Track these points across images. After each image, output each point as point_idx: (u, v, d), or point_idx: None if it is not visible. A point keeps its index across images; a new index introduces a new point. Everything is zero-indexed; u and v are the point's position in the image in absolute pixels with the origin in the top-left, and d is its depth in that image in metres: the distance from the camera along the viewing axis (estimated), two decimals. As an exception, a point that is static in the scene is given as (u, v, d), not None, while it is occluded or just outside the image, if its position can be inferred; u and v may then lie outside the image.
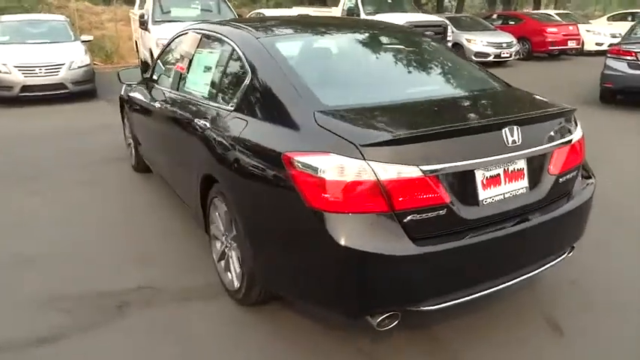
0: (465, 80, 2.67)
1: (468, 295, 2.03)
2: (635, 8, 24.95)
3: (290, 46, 2.62)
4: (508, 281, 2.14)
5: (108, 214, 3.90)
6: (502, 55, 12.90)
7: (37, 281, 2.94)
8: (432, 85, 2.57)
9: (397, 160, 1.83)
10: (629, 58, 7.47)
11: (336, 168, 1.84)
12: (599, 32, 16.10)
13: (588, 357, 2.27)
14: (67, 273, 3.02)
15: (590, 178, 2.47)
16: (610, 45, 16.01)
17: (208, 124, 2.62)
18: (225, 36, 2.83)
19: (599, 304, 2.65)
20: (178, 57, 3.43)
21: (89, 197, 4.28)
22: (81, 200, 4.20)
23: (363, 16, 12.45)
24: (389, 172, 1.82)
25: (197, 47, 3.15)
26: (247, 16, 13.08)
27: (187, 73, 3.18)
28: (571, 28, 14.59)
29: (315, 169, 1.87)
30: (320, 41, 2.79)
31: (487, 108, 2.34)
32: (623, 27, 18.16)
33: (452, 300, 1.99)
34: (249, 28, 2.81)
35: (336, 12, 13.47)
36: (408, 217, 1.86)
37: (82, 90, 8.85)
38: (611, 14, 20.58)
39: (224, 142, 2.42)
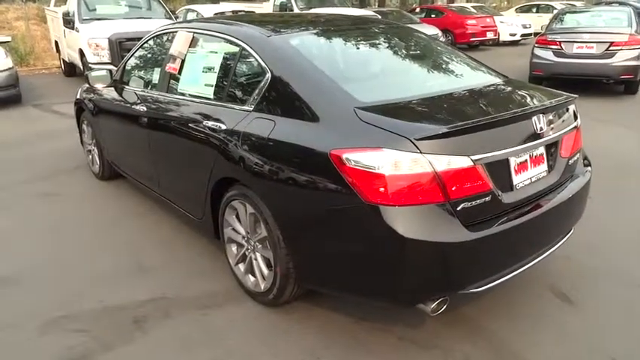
0: (475, 73, 2.80)
1: (507, 275, 2.16)
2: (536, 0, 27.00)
3: (303, 43, 2.60)
4: (534, 259, 2.30)
5: (87, 226, 3.66)
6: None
7: (32, 302, 2.71)
8: (448, 79, 2.68)
9: (449, 151, 1.92)
10: (554, 47, 8.13)
11: (392, 162, 1.88)
12: (512, 23, 17.30)
13: (600, 319, 2.50)
14: (63, 291, 2.82)
15: (589, 164, 2.69)
16: (522, 35, 17.30)
17: (224, 126, 2.55)
18: (228, 35, 2.75)
19: (596, 272, 2.90)
20: (164, 57, 3.28)
21: (60, 210, 3.98)
22: (52, 214, 3.90)
23: (296, 11, 12.45)
24: (443, 163, 1.90)
25: (189, 47, 3.03)
26: (177, 13, 12.64)
27: (180, 74, 3.05)
28: (488, 20, 15.54)
29: (371, 165, 1.90)
30: (328, 38, 2.79)
31: (512, 98, 2.48)
32: (531, 18, 19.68)
33: (495, 280, 2.11)
34: (254, 26, 2.76)
35: (267, 7, 13.37)
36: (461, 206, 1.95)
37: (6, 96, 8.13)
38: (518, 6, 22.14)
39: (249, 143, 2.37)
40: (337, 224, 2.06)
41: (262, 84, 2.45)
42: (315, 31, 2.80)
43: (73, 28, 9.24)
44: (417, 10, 16.88)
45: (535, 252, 2.29)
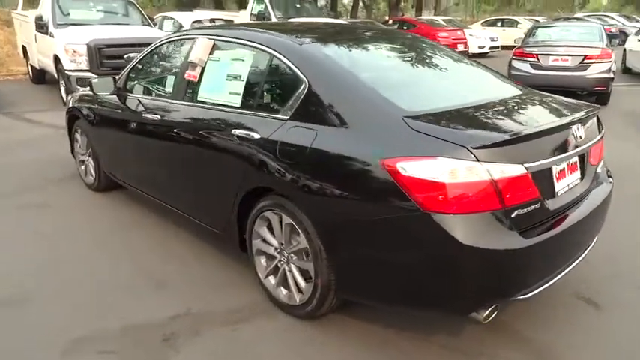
0: (500, 83, 2.85)
1: (551, 280, 2.19)
2: (495, 14, 28.01)
3: (336, 52, 2.59)
4: (571, 265, 2.35)
5: (87, 240, 3.49)
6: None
7: (47, 324, 2.55)
8: (480, 88, 2.72)
9: (504, 159, 1.94)
10: (531, 59, 8.43)
11: (450, 171, 1.89)
12: (480, 36, 17.83)
13: (627, 324, 2.57)
14: (79, 310, 2.67)
15: (610, 174, 2.78)
16: (490, 48, 17.85)
17: (257, 135, 2.50)
18: (257, 43, 2.71)
19: (615, 277, 2.98)
20: (177, 65, 3.20)
21: (54, 222, 3.79)
22: (46, 227, 3.71)
23: (274, 20, 12.45)
24: (499, 171, 1.92)
25: (210, 54, 2.97)
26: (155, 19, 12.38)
27: (199, 81, 2.98)
28: (459, 32, 15.97)
29: (429, 174, 1.90)
30: (358, 47, 2.79)
31: (548, 108, 2.54)
32: (497, 31, 20.35)
33: (541, 286, 2.14)
34: (283, 34, 2.73)
35: (243, 16, 13.32)
36: (515, 213, 1.98)
37: (-23, 103, 7.77)
38: (484, 20, 22.87)
39: (289, 152, 2.33)
40: (389, 234, 2.04)
41: (298, 93, 2.42)
42: (343, 40, 2.80)
43: (46, 33, 8.92)
44: (390, 22, 17.17)
45: (573, 257, 2.34)
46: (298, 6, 13.51)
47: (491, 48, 17.84)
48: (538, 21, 22.48)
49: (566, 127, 2.21)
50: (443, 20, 18.12)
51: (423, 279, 2.02)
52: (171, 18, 11.63)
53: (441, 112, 2.21)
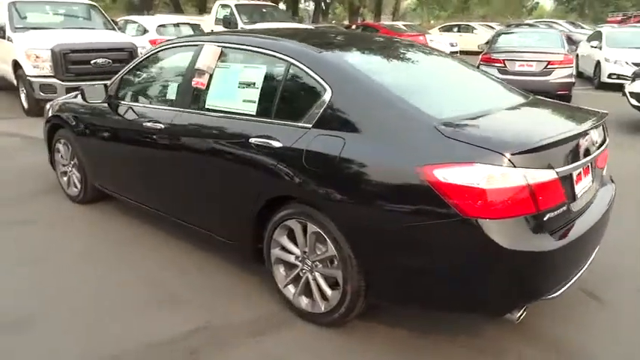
0: (507, 91, 2.94)
1: (573, 279, 2.28)
2: (448, 20, 28.85)
3: (355, 60, 2.60)
4: (587, 263, 2.45)
5: (88, 258, 3.32)
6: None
7: (65, 347, 2.43)
8: (494, 96, 2.80)
9: (537, 165, 2.01)
10: (498, 65, 8.74)
11: (488, 177, 1.93)
12: (440, 42, 18.32)
13: (630, 314, 2.70)
14: (94, 331, 2.54)
15: (612, 180, 2.91)
16: (450, 53, 18.35)
17: (277, 143, 2.47)
18: (272, 50, 2.68)
19: (615, 273, 3.12)
20: (180, 72, 3.12)
21: (44, 239, 3.60)
22: (36, 244, 3.51)
23: (240, 25, 12.37)
24: (534, 176, 1.98)
25: (218, 61, 2.92)
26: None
27: (207, 89, 2.93)
28: (421, 38, 16.35)
29: (467, 180, 1.94)
30: (375, 55, 2.82)
31: (565, 115, 2.63)
32: (454, 36, 20.96)
33: (566, 285, 2.22)
34: (299, 42, 2.72)
35: (208, 20, 13.14)
36: (547, 216, 2.05)
37: None
38: (441, 25, 23.50)
39: (316, 160, 2.32)
40: (426, 239, 2.07)
41: (321, 101, 2.41)
42: (358, 48, 2.81)
43: (3, 37, 8.50)
44: (354, 27, 17.37)
45: (590, 256, 2.45)
46: (264, 10, 13.47)
47: (451, 53, 18.33)
48: (492, 27, 23.33)
49: (586, 133, 2.31)
50: (403, 25, 18.49)
51: (462, 282, 2.06)
52: (135, 22, 11.33)
53: (468, 118, 2.26)
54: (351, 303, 2.36)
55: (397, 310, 2.61)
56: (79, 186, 4.17)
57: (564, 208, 2.14)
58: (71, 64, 7.93)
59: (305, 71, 2.52)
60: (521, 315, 2.13)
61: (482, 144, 2.01)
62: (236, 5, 12.86)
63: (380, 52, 2.90)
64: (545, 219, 2.04)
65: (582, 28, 26.23)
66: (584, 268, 2.40)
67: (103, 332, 2.54)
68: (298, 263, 2.56)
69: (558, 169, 2.07)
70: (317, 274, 2.49)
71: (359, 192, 2.20)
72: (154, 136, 3.14)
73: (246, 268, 3.07)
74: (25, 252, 3.41)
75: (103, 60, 8.14)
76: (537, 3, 43.86)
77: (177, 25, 11.43)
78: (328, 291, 2.45)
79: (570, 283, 2.26)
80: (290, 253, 2.59)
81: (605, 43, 11.64)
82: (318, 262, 2.47)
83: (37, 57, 7.92)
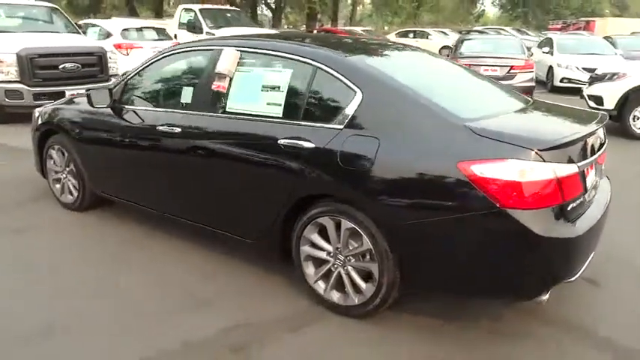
0: (512, 93, 3.17)
1: (586, 263, 2.50)
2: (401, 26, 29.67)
3: (377, 63, 2.74)
4: (595, 248, 2.68)
5: (102, 264, 3.28)
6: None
7: (102, 352, 2.43)
8: (503, 97, 3.00)
9: (562, 159, 2.22)
10: (464, 69, 9.13)
11: (522, 171, 2.12)
12: (398, 47, 18.80)
13: (625, 295, 2.97)
14: (129, 335, 2.55)
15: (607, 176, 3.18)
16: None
17: (309, 144, 2.57)
18: (298, 55, 2.78)
19: (611, 258, 3.35)
20: (200, 76, 3.15)
21: (47, 247, 3.52)
22: (39, 252, 3.43)
23: (206, 29, 12.29)
24: (561, 170, 2.19)
25: (238, 65, 2.99)
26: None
27: (228, 93, 2.99)
28: (381, 43, 16.75)
29: (503, 174, 2.12)
30: (393, 59, 2.97)
31: (574, 115, 2.86)
32: (411, 41, 21.56)
33: (581, 269, 2.44)
34: (323, 47, 2.84)
35: (172, 24, 12.96)
36: (570, 206, 2.26)
37: None
38: (397, 31, 24.13)
39: (352, 160, 2.43)
40: (464, 230, 2.23)
41: (351, 103, 2.54)
42: (376, 53, 2.96)
43: (-38, 41, 8.09)
44: (314, 32, 17.58)
45: (597, 244, 2.68)
46: (229, 15, 13.45)
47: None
48: (445, 33, 24.18)
49: (598, 130, 2.55)
50: (362, 31, 18.88)
51: (498, 269, 2.24)
52: (97, 25, 11.04)
53: (492, 118, 2.45)
54: (386, 294, 2.49)
55: (422, 298, 2.76)
56: (75, 193, 4.10)
57: (581, 199, 2.36)
58: (38, 68, 7.66)
59: (333, 75, 2.64)
60: (547, 297, 2.32)
61: (514, 141, 2.20)
62: (200, 10, 12.78)
63: (395, 56, 3.06)
64: (568, 209, 2.25)
65: (527, 34, 27.61)
66: (592, 255, 2.63)
67: (138, 336, 2.55)
68: (330, 259, 2.67)
69: (579, 164, 2.29)
70: (350, 268, 2.60)
71: (397, 189, 2.34)
72: (170, 140, 3.16)
73: (267, 268, 3.13)
74: (32, 260, 3.34)
75: (72, 65, 7.92)
76: (483, 10, 45.77)
77: (142, 29, 11.24)
78: (362, 284, 2.57)
79: (584, 267, 2.48)
80: (321, 249, 2.69)
81: (556, 50, 12.37)
82: (351, 257, 2.58)
83: (0, 62, 7.61)
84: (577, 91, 8.44)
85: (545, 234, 2.14)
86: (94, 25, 11.09)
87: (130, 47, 10.43)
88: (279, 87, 2.81)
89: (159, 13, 21.29)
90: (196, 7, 13.32)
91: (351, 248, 2.57)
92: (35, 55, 7.62)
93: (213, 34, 12.14)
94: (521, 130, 2.36)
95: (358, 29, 19.48)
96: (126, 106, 3.54)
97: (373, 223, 2.42)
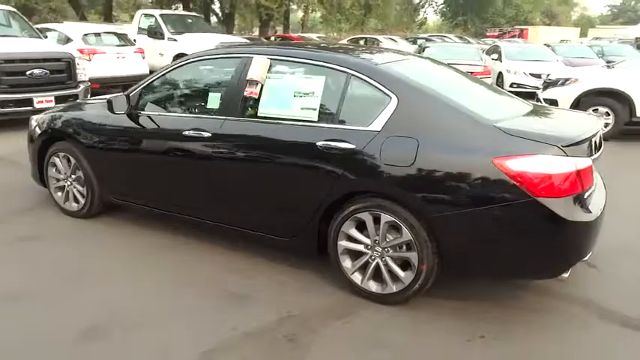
0: (514, 98, 3.50)
1: (594, 245, 2.85)
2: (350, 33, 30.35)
3: (405, 70, 2.98)
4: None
5: (130, 267, 3.35)
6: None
7: (161, 342, 2.54)
8: (510, 101, 3.32)
9: (579, 154, 2.55)
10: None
11: (549, 164, 2.44)
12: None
13: (622, 276, 3.36)
14: (183, 333, 2.65)
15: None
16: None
17: (350, 145, 2.78)
18: (331, 63, 2.99)
19: (609, 247, 3.71)
20: (229, 82, 3.28)
21: (65, 254, 3.52)
22: (58, 260, 3.43)
23: (167, 35, 12.16)
24: (580, 163, 2.52)
25: (268, 72, 3.16)
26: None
27: (259, 98, 3.14)
28: (338, 50, 17.15)
29: (534, 168, 2.43)
30: (414, 67, 3.22)
31: (581, 118, 3.22)
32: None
33: (592, 250, 2.79)
34: (353, 55, 3.07)
35: (130, 30, 12.72)
36: (586, 194, 2.60)
37: None
38: (349, 38, 24.64)
39: (394, 159, 2.67)
40: (500, 219, 2.52)
41: (386, 107, 2.77)
42: (398, 61, 3.20)
43: None
44: (272, 39, 17.72)
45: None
46: (190, 21, 13.36)
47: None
48: (395, 40, 24.94)
49: (598, 131, 2.91)
50: (317, 37, 19.22)
51: (530, 251, 2.54)
52: (55, 30, 10.67)
53: (511, 119, 2.76)
54: (425, 280, 2.74)
55: (447, 285, 3.03)
56: (81, 200, 4.08)
57: (592, 189, 2.72)
58: (5, 75, 7.39)
59: (367, 81, 2.87)
60: (568, 275, 2.65)
61: (540, 139, 2.51)
62: (161, 15, 12.62)
63: (412, 64, 3.31)
64: (585, 197, 2.60)
65: (469, 42, 29.05)
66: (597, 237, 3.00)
67: (187, 330, 2.66)
68: (367, 251, 2.88)
69: (592, 157, 2.64)
70: (388, 258, 2.83)
71: (437, 184, 2.60)
72: (199, 144, 3.27)
73: (298, 265, 3.31)
74: (60, 267, 3.33)
75: (40, 71, 7.69)
76: (426, 18, 47.49)
77: (103, 34, 10.98)
78: (401, 272, 2.80)
79: (593, 249, 2.84)
80: (359, 242, 2.90)
81: (504, 57, 13.19)
82: (389, 248, 2.81)
83: (-38, 67, 7.27)
84: (525, 95, 9.11)
85: (571, 218, 2.46)
86: (51, 30, 10.71)
87: (93, 53, 10.18)
88: (312, 92, 3.00)
89: (108, 18, 20.68)
90: (156, 12, 13.14)
91: (389, 240, 2.80)
92: (1, 60, 7.34)
93: (175, 40, 12.07)
94: (544, 130, 2.69)
95: (313, 36, 19.82)
96: (145, 112, 3.60)
97: (413, 215, 2.67)
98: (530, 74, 12.18)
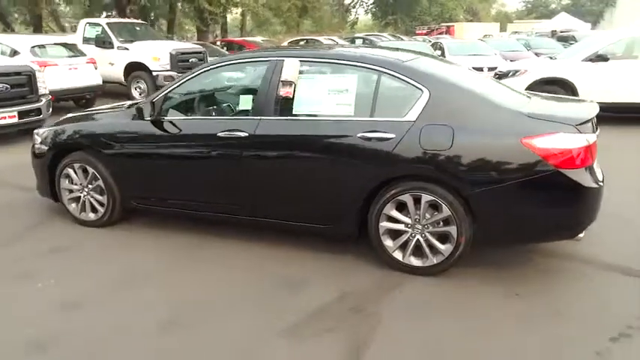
0: (516, 90, 3.93)
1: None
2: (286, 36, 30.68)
3: (427, 67, 3.34)
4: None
5: (178, 266, 3.49)
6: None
7: (239, 331, 2.74)
8: (515, 94, 3.73)
9: (587, 131, 3.00)
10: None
11: (568, 140, 2.88)
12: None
13: (603, 245, 3.85)
14: (251, 314, 2.87)
15: None
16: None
17: (389, 135, 3.09)
18: (362, 62, 3.30)
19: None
20: (260, 84, 3.48)
21: (108, 261, 3.59)
22: (103, 268, 3.49)
23: (117, 44, 11.90)
24: (589, 139, 2.97)
25: (300, 73, 3.40)
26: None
27: (293, 98, 3.38)
28: (285, 52, 17.38)
29: (557, 144, 2.86)
30: (431, 63, 3.57)
31: (580, 103, 3.68)
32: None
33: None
34: (380, 54, 3.39)
35: (75, 39, 12.28)
36: (592, 166, 3.06)
37: None
38: (290, 40, 24.90)
39: (434, 144, 3.00)
40: (529, 190, 2.92)
41: (419, 100, 3.10)
42: (416, 58, 3.54)
43: None
44: (218, 43, 17.65)
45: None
46: (138, 29, 13.11)
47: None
48: (335, 41, 25.48)
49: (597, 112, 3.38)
50: (262, 41, 19.37)
51: (556, 216, 2.97)
52: (-1, 43, 10.16)
53: (528, 105, 3.19)
54: (463, 251, 3.10)
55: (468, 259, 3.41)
56: (100, 209, 4.12)
57: (595, 162, 3.19)
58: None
59: (398, 77, 3.20)
60: (583, 235, 3.11)
61: (558, 120, 2.96)
62: (108, 24, 12.29)
63: (428, 61, 3.65)
64: (593, 167, 3.05)
65: (402, 39, 30.19)
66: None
67: (257, 314, 2.88)
68: (408, 229, 3.21)
69: (597, 133, 3.11)
70: (428, 234, 3.17)
71: (474, 164, 2.96)
72: (236, 144, 3.45)
73: (334, 250, 3.58)
74: (103, 274, 3.40)
75: (1, 86, 7.39)
76: (357, 18, 48.71)
77: (51, 45, 10.57)
78: (441, 246, 3.15)
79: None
80: (399, 222, 3.21)
81: (447, 52, 14.02)
82: (429, 225, 3.15)
83: None
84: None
85: (588, 185, 2.91)
86: (-6, 43, 10.18)
87: (44, 65, 9.77)
88: (347, 90, 3.29)
89: (38, 29, 19.67)
90: (103, 21, 12.78)
91: (428, 217, 3.14)
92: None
93: (127, 49, 11.83)
94: (559, 112, 3.14)
95: (259, 39, 19.94)
96: (171, 117, 3.72)
97: (452, 194, 3.02)
98: (473, 68, 13.03)
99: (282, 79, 3.38)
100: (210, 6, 17.78)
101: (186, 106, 3.81)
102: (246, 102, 3.56)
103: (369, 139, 3.14)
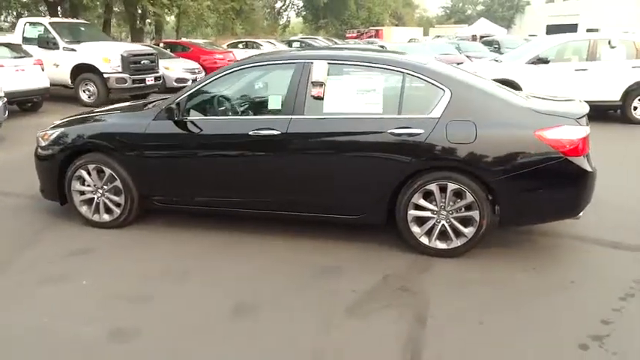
0: (513, 90, 4.41)
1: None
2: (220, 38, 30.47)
3: (442, 68, 3.72)
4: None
5: (209, 267, 3.60)
6: (199, 79, 14.28)
7: (291, 327, 2.96)
8: (514, 92, 4.20)
9: (584, 124, 3.51)
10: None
11: (572, 132, 3.36)
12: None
13: (587, 225, 4.45)
14: (308, 300, 3.09)
15: None
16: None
17: (417, 130, 3.42)
18: (386, 64, 3.61)
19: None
20: (287, 85, 3.68)
21: (142, 259, 3.65)
22: (155, 271, 3.51)
23: (62, 45, 11.38)
24: (587, 130, 3.48)
25: (327, 75, 3.65)
26: None
27: (322, 97, 3.63)
28: (231, 55, 17.35)
29: (563, 135, 3.33)
30: (440, 65, 3.94)
31: (573, 101, 4.13)
32: (243, 52, 22.39)
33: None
34: (401, 57, 3.72)
35: (15, 39, 11.60)
36: (588, 153, 3.58)
37: None
38: (229, 42, 24.77)
39: (459, 137, 3.36)
40: (542, 175, 3.37)
41: (442, 98, 3.47)
42: (431, 61, 3.91)
43: None
44: (161, 45, 17.21)
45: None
46: (83, 29, 12.59)
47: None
48: (273, 43, 25.67)
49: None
50: (205, 43, 19.16)
51: (564, 197, 3.45)
52: None
53: (534, 102, 3.65)
54: (485, 232, 3.51)
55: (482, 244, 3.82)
56: (116, 210, 4.12)
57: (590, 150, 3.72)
58: None
59: (420, 78, 3.55)
60: (582, 214, 3.62)
61: (563, 115, 3.44)
62: (51, 23, 11.70)
63: (440, 64, 4.03)
64: (589, 155, 3.57)
65: (336, 43, 30.96)
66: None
67: (319, 299, 3.11)
68: (434, 216, 3.56)
69: (589, 126, 3.63)
70: (452, 219, 3.54)
71: (496, 154, 3.37)
72: (268, 142, 3.64)
73: (361, 238, 3.87)
74: (145, 272, 3.46)
75: None
76: (289, 21, 49.16)
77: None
78: (465, 229, 3.53)
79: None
80: (426, 210, 3.56)
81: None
82: (453, 211, 3.52)
83: None
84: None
85: (592, 170, 3.43)
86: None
87: (-11, 66, 9.25)
88: (374, 90, 3.59)
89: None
90: (45, 20, 12.13)
91: (452, 204, 3.51)
92: None
93: (74, 50, 11.36)
94: (561, 108, 3.62)
95: (201, 42, 19.66)
96: (197, 117, 3.84)
97: (474, 182, 3.42)
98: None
99: (312, 80, 3.62)
100: (153, 7, 17.33)
101: (210, 106, 3.93)
102: (275, 101, 3.75)
103: (399, 134, 3.46)
